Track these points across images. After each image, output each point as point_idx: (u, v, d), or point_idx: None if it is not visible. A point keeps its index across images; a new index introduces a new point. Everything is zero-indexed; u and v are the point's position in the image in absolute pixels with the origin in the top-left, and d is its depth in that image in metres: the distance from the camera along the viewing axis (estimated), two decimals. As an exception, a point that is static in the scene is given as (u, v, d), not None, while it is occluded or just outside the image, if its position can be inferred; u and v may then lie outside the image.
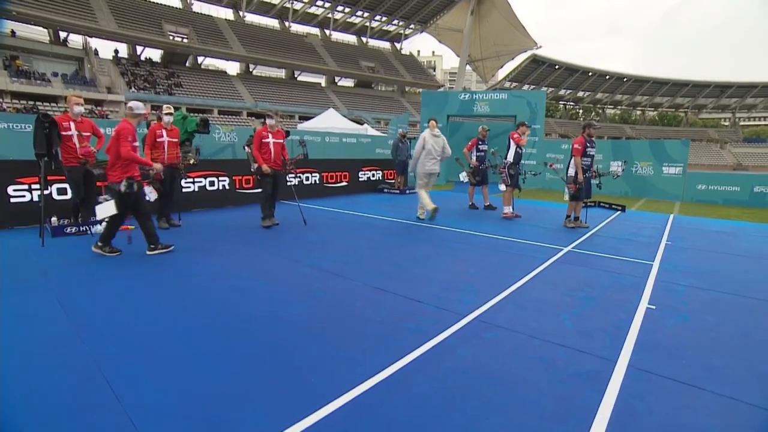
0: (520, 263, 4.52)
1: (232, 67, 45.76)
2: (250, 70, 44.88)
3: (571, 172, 6.71)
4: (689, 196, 12.50)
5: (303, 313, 3.06)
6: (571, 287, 3.78)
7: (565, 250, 5.21)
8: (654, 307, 3.33)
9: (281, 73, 48.69)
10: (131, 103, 4.60)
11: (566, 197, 6.81)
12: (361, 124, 26.78)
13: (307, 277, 3.92)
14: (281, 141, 6.34)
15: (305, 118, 41.14)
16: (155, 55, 39.11)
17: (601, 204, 9.77)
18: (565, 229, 6.65)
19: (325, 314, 3.06)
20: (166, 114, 5.97)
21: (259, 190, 6.55)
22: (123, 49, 36.76)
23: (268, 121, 6.19)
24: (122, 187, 4.23)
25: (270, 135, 6.14)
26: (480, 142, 8.30)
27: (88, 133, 5.60)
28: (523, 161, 14.20)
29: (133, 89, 32.30)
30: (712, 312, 3.28)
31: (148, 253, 4.54)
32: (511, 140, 7.47)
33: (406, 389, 2.12)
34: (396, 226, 6.52)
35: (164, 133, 5.98)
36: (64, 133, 5.19)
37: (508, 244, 5.50)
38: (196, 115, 8.33)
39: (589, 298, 3.49)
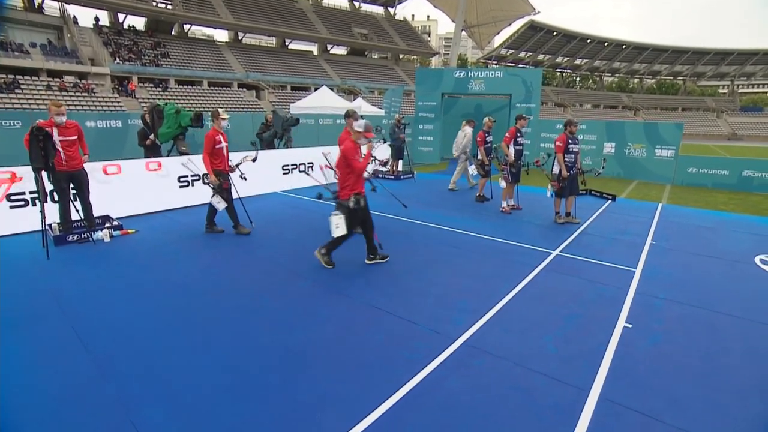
0: (509, 272, 4.78)
1: (221, 35, 44.36)
2: (239, 38, 43.48)
3: (556, 170, 6.91)
4: (680, 180, 12.76)
5: (307, 340, 3.30)
6: (556, 302, 4.05)
7: (554, 254, 5.47)
8: (630, 325, 3.62)
9: (272, 41, 47.27)
10: (355, 123, 4.70)
11: (549, 194, 7.03)
12: (354, 98, 26.36)
13: (308, 295, 4.15)
14: None
15: (297, 88, 40.44)
16: (139, 23, 37.70)
17: (593, 192, 10.00)
18: (555, 227, 6.90)
19: (327, 340, 3.31)
20: (224, 119, 5.79)
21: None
22: (103, 17, 35.35)
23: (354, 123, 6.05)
24: (351, 203, 4.57)
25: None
26: (486, 134, 8.37)
27: (73, 138, 5.50)
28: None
29: (117, 60, 31.36)
30: (682, 331, 3.57)
31: (367, 262, 4.98)
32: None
33: (401, 428, 2.39)
34: (392, 225, 6.67)
35: (222, 138, 5.84)
36: None
37: (500, 247, 5.74)
38: (184, 105, 8.25)
39: (572, 317, 3.77)
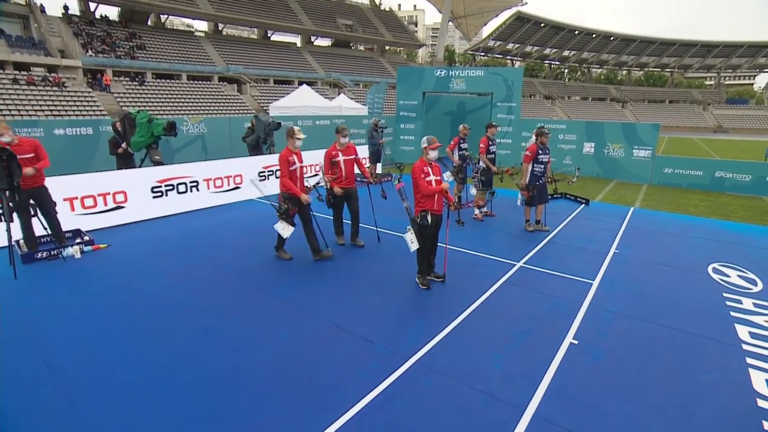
0: (471, 287, 5.06)
1: (200, 25, 43.74)
2: (220, 29, 42.97)
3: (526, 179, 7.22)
4: (656, 179, 13.24)
5: (265, 360, 3.54)
6: (511, 318, 4.35)
7: (517, 266, 5.79)
8: (577, 341, 3.94)
9: (253, 33, 46.80)
10: (422, 142, 4.89)
11: (519, 202, 7.34)
12: (338, 92, 26.39)
13: (274, 313, 4.38)
14: (353, 157, 6.15)
15: (281, 81, 40.19)
16: (112, 12, 36.99)
17: (567, 196, 10.37)
18: (524, 235, 7.22)
19: (286, 360, 3.55)
20: (300, 138, 5.50)
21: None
22: (73, 5, 34.56)
23: (341, 139, 5.97)
24: (419, 219, 4.78)
25: (341, 153, 6.04)
26: (462, 141, 8.60)
27: (29, 155, 5.42)
28: (499, 141, 14.59)
29: (90, 53, 30.69)
30: (623, 346, 3.90)
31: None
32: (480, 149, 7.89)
33: (346, 449, 2.65)
34: (365, 238, 6.87)
35: (296, 159, 5.51)
36: None
37: (466, 259, 6.03)
38: (156, 114, 8.27)
39: (523, 333, 4.07)
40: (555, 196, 9.98)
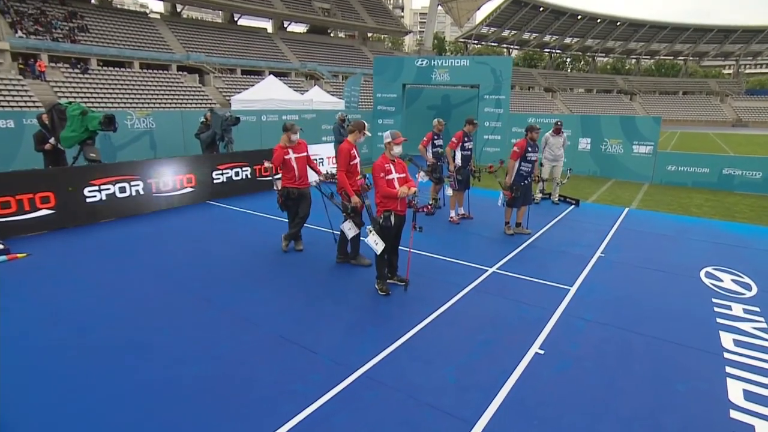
0: (435, 293, 5.18)
1: (155, 6, 43.53)
2: (178, 10, 42.90)
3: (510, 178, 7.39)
4: (659, 178, 13.59)
5: (197, 376, 3.58)
6: (474, 327, 4.47)
7: (490, 271, 5.93)
8: (543, 352, 4.06)
9: (218, 16, 46.83)
10: (384, 136, 5.14)
11: (500, 203, 7.51)
12: (314, 83, 26.47)
13: (214, 325, 4.43)
14: (304, 155, 6.42)
15: (249, 72, 40.27)
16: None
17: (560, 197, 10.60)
18: (503, 239, 7.38)
19: (220, 376, 3.60)
20: (366, 134, 5.83)
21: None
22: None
23: (292, 136, 6.21)
24: (380, 221, 5.00)
25: (291, 150, 6.26)
26: (436, 137, 8.73)
27: None
28: (486, 138, 14.88)
29: (20, 33, 30.09)
30: (593, 356, 4.04)
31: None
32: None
33: (270, 469, 2.72)
34: (323, 239, 6.96)
35: (356, 153, 5.81)
36: None
37: (434, 264, 6.15)
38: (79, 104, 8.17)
39: (485, 342, 4.19)
40: (544, 197, 10.24)
